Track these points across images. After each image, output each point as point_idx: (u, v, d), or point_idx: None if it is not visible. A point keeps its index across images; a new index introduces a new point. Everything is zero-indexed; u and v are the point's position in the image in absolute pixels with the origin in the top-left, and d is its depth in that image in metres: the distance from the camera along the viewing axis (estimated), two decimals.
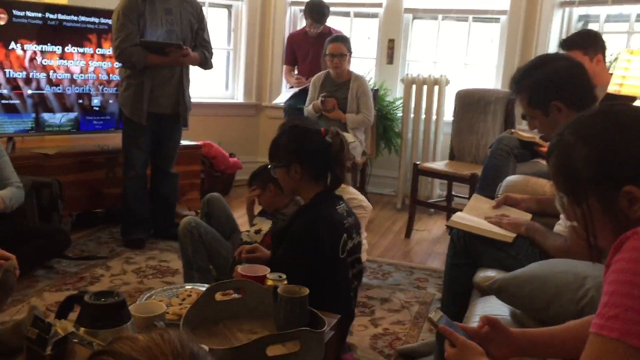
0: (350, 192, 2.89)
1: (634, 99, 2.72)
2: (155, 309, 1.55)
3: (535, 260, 1.83)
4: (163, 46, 3.39)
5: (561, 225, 1.98)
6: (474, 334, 1.19)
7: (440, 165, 4.10)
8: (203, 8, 3.73)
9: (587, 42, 2.91)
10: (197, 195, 4.30)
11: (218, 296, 1.74)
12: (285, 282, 1.76)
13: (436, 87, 4.67)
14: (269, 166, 2.14)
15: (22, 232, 2.99)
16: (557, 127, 1.90)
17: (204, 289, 1.99)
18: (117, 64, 3.85)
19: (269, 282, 1.76)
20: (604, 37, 4.31)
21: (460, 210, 2.35)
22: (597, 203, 1.03)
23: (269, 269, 1.84)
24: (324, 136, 2.05)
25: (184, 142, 3.90)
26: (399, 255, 3.71)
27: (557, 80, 1.90)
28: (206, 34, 3.65)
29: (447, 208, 4.24)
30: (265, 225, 2.71)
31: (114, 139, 3.98)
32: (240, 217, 4.29)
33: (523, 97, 1.98)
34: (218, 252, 2.65)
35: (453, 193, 4.32)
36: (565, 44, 2.98)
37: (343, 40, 4.13)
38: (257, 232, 2.70)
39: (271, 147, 2.11)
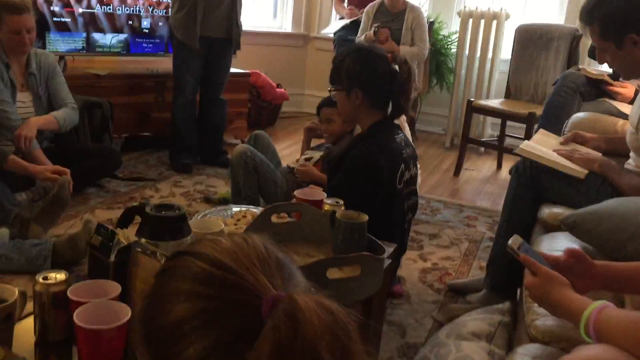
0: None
1: None
2: (213, 226, 1.53)
3: (607, 198, 1.74)
4: None
5: (631, 164, 1.87)
6: (555, 263, 1.13)
7: (495, 103, 3.95)
8: None
9: None
10: (244, 124, 4.27)
11: (274, 218, 1.71)
12: (343, 207, 1.71)
13: (494, 22, 4.45)
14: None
15: (75, 151, 3.01)
16: (630, 62, 1.78)
17: (257, 211, 1.98)
18: None
19: (326, 207, 1.72)
20: None
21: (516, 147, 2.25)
22: None
23: (325, 194, 1.80)
24: (390, 63, 1.96)
25: (232, 70, 3.83)
26: (448, 193, 3.63)
27: (634, 11, 1.75)
28: None
29: (500, 147, 4.11)
30: (317, 154, 2.67)
31: (163, 63, 3.94)
32: (286, 148, 4.27)
33: (595, 27, 1.83)
34: (271, 182, 2.63)
35: (506, 133, 4.17)
36: None
37: None
38: (308, 159, 2.65)
39: (333, 69, 2.03)
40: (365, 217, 1.60)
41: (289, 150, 4.21)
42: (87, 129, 3.17)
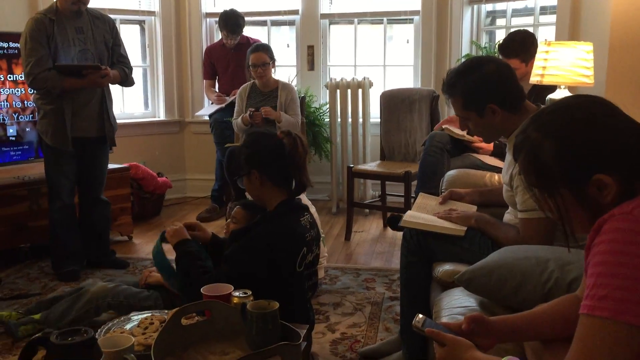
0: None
1: (554, 88, 2.88)
2: (122, 342, 1.48)
3: (488, 251, 1.89)
4: (79, 68, 3.23)
5: (510, 214, 2.06)
6: (457, 329, 1.22)
7: (372, 166, 4.17)
8: None
9: (524, 49, 3.07)
10: (129, 219, 4.15)
11: (183, 320, 1.68)
12: (252, 298, 1.73)
13: (360, 90, 4.75)
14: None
15: None
16: (490, 128, 1.99)
17: (162, 315, 1.93)
18: (30, 90, 3.66)
19: (235, 300, 1.72)
20: (512, 30, 4.55)
21: (397, 208, 2.40)
22: (569, 194, 1.07)
23: (232, 287, 1.80)
24: (280, 138, 2.04)
25: (110, 166, 3.73)
26: (343, 259, 3.74)
27: (491, 84, 1.94)
28: (123, 49, 3.51)
29: (383, 207, 4.32)
30: None
31: (34, 169, 3.77)
32: None
33: (457, 99, 2.00)
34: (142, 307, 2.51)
35: (387, 192, 4.40)
36: (504, 52, 3.12)
37: (264, 49, 4.10)
38: None
39: (232, 160, 2.10)
40: (276, 305, 1.62)
41: None
42: None
